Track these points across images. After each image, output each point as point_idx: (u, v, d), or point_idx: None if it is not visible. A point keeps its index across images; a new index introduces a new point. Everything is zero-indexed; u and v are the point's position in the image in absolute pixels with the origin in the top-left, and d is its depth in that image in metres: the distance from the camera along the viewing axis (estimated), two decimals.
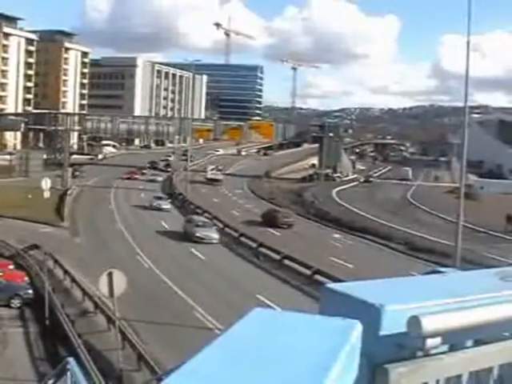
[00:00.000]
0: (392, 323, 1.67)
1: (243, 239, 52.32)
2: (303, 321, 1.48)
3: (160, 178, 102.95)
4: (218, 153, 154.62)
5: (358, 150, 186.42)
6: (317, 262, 41.50)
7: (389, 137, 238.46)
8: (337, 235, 60.33)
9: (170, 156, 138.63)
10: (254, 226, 60.85)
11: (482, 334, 1.87)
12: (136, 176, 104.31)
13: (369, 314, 1.65)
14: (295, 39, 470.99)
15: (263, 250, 47.51)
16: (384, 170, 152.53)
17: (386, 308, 1.68)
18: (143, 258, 44.64)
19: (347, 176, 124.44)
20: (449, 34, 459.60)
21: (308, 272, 39.66)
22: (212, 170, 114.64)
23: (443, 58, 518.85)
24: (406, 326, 1.64)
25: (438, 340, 1.68)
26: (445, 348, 1.78)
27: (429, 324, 1.62)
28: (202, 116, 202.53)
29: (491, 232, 62.01)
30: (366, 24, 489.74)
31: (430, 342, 1.66)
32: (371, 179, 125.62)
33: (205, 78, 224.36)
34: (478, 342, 1.90)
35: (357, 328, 1.45)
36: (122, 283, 24.38)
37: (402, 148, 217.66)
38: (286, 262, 43.39)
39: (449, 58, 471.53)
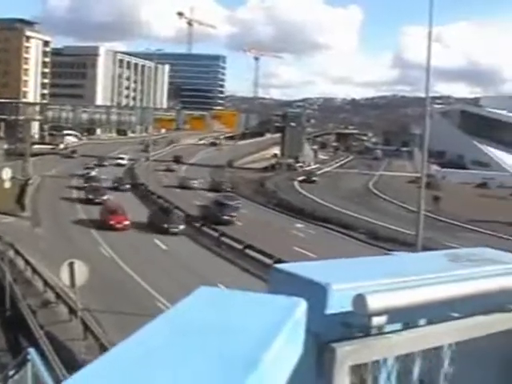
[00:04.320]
0: (338, 302, 1.68)
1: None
2: (247, 299, 1.49)
3: None
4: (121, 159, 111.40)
5: (320, 140, 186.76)
6: (280, 251, 41.44)
7: (351, 127, 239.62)
8: (299, 225, 60.41)
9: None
10: None
11: (429, 314, 1.88)
12: (125, 222, 53.29)
13: (315, 293, 1.66)
14: (258, 29, 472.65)
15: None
16: (346, 160, 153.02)
17: (332, 287, 1.69)
18: (104, 248, 44.53)
19: (309, 166, 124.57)
20: (411, 25, 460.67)
21: (270, 261, 39.71)
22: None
23: (406, 48, 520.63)
24: (352, 304, 1.65)
25: (383, 318, 1.69)
26: (394, 327, 1.80)
27: (374, 302, 1.63)
28: (164, 106, 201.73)
29: (451, 221, 62.69)
30: (328, 14, 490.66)
31: (375, 320, 1.67)
32: (314, 178, 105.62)
33: (167, 67, 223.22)
34: (426, 323, 1.92)
35: (301, 305, 1.46)
36: (83, 273, 24.28)
37: (364, 138, 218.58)
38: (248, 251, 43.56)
39: (411, 49, 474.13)
